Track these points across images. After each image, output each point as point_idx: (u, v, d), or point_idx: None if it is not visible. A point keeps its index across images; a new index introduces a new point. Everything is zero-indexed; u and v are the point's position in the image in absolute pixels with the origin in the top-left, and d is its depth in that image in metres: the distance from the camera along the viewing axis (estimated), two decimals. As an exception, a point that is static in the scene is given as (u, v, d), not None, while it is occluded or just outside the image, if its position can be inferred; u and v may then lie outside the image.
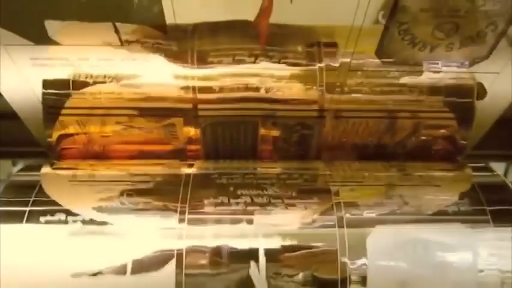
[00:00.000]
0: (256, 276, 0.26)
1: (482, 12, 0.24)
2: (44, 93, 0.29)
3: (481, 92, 0.28)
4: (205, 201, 0.28)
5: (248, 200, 0.28)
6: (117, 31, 0.25)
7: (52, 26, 0.25)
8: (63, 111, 0.30)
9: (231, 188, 0.29)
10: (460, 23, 0.24)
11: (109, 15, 0.24)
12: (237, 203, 0.28)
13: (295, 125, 0.31)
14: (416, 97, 0.29)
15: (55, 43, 0.26)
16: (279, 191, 0.28)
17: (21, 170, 0.31)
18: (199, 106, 0.29)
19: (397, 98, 0.29)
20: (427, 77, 0.28)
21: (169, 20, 0.24)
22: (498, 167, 0.34)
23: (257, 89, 0.29)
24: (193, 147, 0.32)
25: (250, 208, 0.28)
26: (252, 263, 0.26)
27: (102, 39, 0.26)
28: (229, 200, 0.28)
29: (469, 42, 0.25)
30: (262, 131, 0.31)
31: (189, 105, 0.29)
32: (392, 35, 0.25)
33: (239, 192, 0.28)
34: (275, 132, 0.31)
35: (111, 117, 0.30)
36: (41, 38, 0.25)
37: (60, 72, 0.28)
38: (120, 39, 0.25)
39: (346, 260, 0.26)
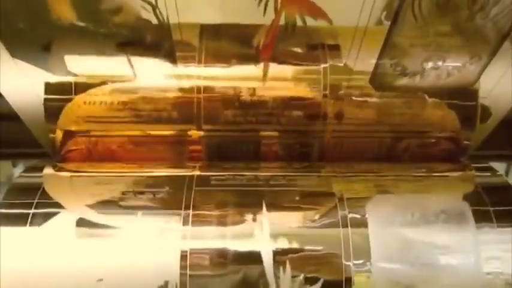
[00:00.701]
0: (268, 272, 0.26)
1: (466, 47, 0.26)
2: (46, 95, 0.29)
3: (485, 114, 0.29)
4: (211, 177, 0.29)
5: (252, 177, 0.29)
6: (131, 64, 0.27)
7: (71, 60, 0.27)
8: (65, 114, 0.30)
9: (237, 168, 0.30)
10: (447, 56, 0.26)
11: (124, 50, 0.26)
12: (241, 179, 0.29)
13: (294, 144, 0.32)
14: (419, 99, 0.29)
15: (73, 74, 0.28)
16: (281, 170, 0.30)
17: (24, 171, 0.31)
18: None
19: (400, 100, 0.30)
20: (430, 79, 0.29)
21: (172, 20, 0.25)
22: (499, 167, 0.33)
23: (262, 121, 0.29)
24: (195, 147, 0.32)
25: (254, 182, 0.28)
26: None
27: (115, 70, 0.28)
28: (234, 176, 0.29)
29: (455, 71, 0.27)
30: (263, 149, 0.32)
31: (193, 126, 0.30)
32: (385, 67, 0.27)
33: (244, 172, 0.30)
34: (276, 149, 0.32)
35: (115, 120, 0.30)
36: (60, 70, 0.27)
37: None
38: (133, 72, 0.27)
39: (350, 261, 0.26)
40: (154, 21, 0.25)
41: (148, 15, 0.25)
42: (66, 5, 0.24)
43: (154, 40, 0.25)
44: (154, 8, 0.24)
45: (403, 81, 0.28)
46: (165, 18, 0.25)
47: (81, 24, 0.25)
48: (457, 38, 0.25)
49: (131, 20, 0.25)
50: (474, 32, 0.25)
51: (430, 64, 0.26)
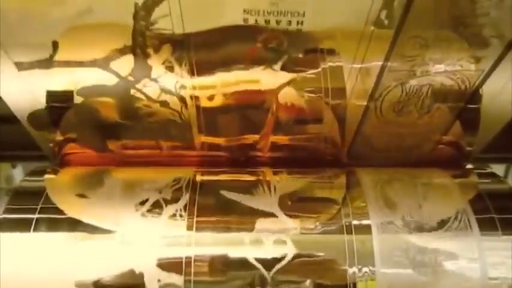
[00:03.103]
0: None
1: (424, 125, 0.31)
2: (47, 100, 0.29)
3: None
4: (214, 182, 0.30)
5: (255, 182, 0.30)
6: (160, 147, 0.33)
7: (112, 143, 0.33)
8: (66, 117, 0.30)
9: (240, 174, 0.31)
10: (406, 136, 0.32)
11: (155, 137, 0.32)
12: (244, 184, 0.30)
13: (297, 149, 0.33)
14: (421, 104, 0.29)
15: (111, 151, 0.33)
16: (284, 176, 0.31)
17: (27, 175, 0.31)
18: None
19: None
20: (431, 83, 0.28)
21: (177, 30, 0.26)
22: (497, 169, 0.34)
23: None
24: (198, 153, 0.33)
25: (257, 188, 0.29)
26: None
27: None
28: (237, 182, 0.30)
29: (413, 148, 0.33)
30: (266, 154, 0.34)
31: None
32: (358, 144, 0.32)
33: (247, 178, 0.31)
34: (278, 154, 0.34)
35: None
36: (101, 149, 0.33)
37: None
38: (160, 148, 0.33)
39: (353, 267, 0.26)
40: (179, 120, 0.30)
41: (174, 117, 0.30)
42: (113, 110, 0.30)
43: (177, 130, 0.31)
44: (180, 114, 0.30)
45: (374, 154, 0.33)
46: (187, 118, 0.31)
47: (123, 122, 0.31)
48: (411, 128, 0.31)
49: (161, 120, 0.30)
50: (425, 126, 0.31)
51: (394, 146, 0.33)
